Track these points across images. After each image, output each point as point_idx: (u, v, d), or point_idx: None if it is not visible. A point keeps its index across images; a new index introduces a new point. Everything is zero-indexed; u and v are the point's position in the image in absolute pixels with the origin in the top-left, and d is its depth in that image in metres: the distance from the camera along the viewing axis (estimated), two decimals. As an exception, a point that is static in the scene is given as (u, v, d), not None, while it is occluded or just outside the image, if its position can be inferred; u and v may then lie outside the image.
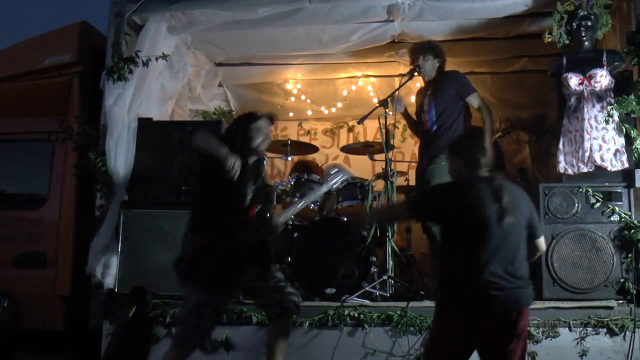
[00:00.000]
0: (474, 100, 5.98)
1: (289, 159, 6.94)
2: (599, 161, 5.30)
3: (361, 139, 8.11)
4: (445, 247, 3.97)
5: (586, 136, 5.33)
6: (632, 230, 5.18)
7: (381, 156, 6.19)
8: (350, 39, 6.73)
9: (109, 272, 5.62)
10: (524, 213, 3.90)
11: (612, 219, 5.29)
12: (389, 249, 5.71)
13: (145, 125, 6.05)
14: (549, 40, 5.73)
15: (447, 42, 6.46)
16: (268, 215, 4.61)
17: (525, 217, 3.90)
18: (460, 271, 3.79)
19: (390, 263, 5.71)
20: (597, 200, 5.32)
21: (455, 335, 3.75)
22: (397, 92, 6.04)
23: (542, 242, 4.07)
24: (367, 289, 5.58)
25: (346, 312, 5.20)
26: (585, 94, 5.41)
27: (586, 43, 5.60)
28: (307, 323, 5.22)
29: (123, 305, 5.06)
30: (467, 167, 3.98)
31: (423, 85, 6.27)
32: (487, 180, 3.90)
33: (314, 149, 7.43)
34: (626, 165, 5.32)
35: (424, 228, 5.92)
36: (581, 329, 5.07)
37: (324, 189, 5.32)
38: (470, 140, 4.34)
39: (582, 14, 5.55)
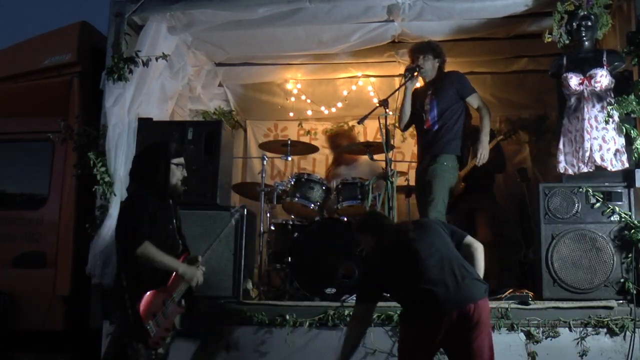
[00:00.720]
0: (473, 101, 6.03)
1: (289, 159, 6.94)
2: (599, 161, 5.30)
3: (361, 139, 8.10)
4: (401, 298, 4.32)
5: (586, 136, 5.32)
6: (632, 230, 5.18)
7: (381, 156, 6.19)
8: (350, 39, 6.72)
9: (108, 272, 5.61)
10: (437, 237, 4.29)
11: (612, 219, 5.29)
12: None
13: (146, 125, 6.05)
14: (549, 40, 5.73)
15: (447, 42, 6.47)
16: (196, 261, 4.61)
17: (440, 237, 4.28)
18: (417, 300, 4.11)
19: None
20: (597, 200, 5.32)
21: (424, 338, 4.08)
22: (397, 92, 6.05)
23: (469, 239, 4.40)
24: (367, 289, 5.57)
25: (346, 312, 5.20)
26: (586, 94, 5.41)
27: (586, 43, 5.60)
28: (307, 323, 5.22)
29: None
30: (376, 237, 4.38)
31: (422, 84, 6.27)
32: (396, 238, 4.30)
33: (314, 149, 7.42)
34: (626, 165, 5.32)
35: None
36: (581, 329, 5.06)
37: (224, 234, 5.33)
38: (372, 217, 4.77)
39: (582, 14, 5.55)
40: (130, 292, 4.20)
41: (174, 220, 4.60)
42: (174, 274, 4.39)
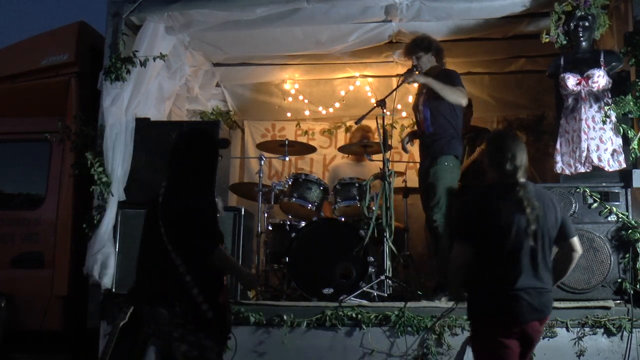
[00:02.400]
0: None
1: (287, 159, 6.95)
2: (596, 161, 5.30)
3: (349, 140, 8.09)
4: (476, 261, 3.92)
5: (584, 136, 5.33)
6: (630, 231, 5.19)
7: (379, 156, 6.19)
8: (348, 39, 6.73)
9: (106, 272, 5.62)
10: (549, 218, 3.89)
11: (609, 219, 5.30)
12: (386, 250, 5.71)
13: (143, 126, 6.05)
14: (547, 40, 5.74)
15: (445, 43, 6.45)
16: None
17: (550, 221, 3.89)
18: (491, 283, 3.82)
19: (387, 263, 5.70)
20: (595, 201, 5.33)
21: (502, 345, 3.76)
22: (394, 93, 6.04)
23: (576, 242, 4.04)
24: (364, 289, 5.58)
25: (344, 313, 5.21)
26: (583, 94, 5.41)
27: (584, 43, 5.60)
28: (305, 323, 5.22)
29: (120, 306, 5.06)
30: (494, 170, 3.98)
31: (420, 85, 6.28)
32: (514, 188, 3.87)
33: (312, 149, 7.42)
34: (623, 165, 5.32)
35: (427, 224, 5.94)
36: (579, 329, 5.07)
37: None
38: (503, 141, 4.12)
39: (579, 14, 5.55)
40: (200, 287, 3.98)
41: None
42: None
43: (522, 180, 3.92)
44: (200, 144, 4.28)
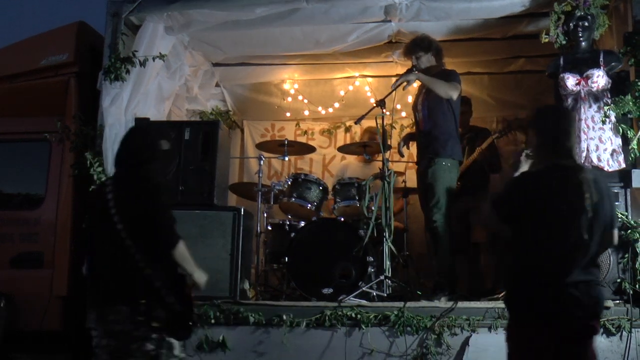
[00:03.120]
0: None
1: (286, 159, 6.94)
2: (596, 161, 5.30)
3: (358, 139, 8.10)
4: (519, 247, 3.63)
5: (583, 136, 5.33)
6: (629, 231, 5.18)
7: (378, 156, 6.19)
8: (347, 39, 6.73)
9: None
10: (605, 207, 3.59)
11: (609, 219, 5.29)
12: (386, 249, 5.71)
13: (143, 126, 6.04)
14: (546, 40, 5.74)
15: (445, 43, 6.45)
16: None
17: (605, 210, 3.59)
18: (537, 272, 3.51)
19: (387, 263, 5.70)
20: (594, 201, 5.32)
21: (539, 345, 3.46)
22: (394, 93, 6.04)
23: (615, 234, 3.75)
24: (364, 289, 5.58)
25: (343, 312, 5.20)
26: (582, 94, 5.42)
27: (583, 43, 5.60)
28: (304, 323, 5.22)
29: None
30: (547, 148, 3.64)
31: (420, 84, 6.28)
32: (572, 170, 3.56)
33: (311, 149, 7.42)
34: (623, 165, 5.33)
35: (426, 225, 5.94)
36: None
37: None
38: (556, 116, 3.80)
39: (579, 14, 5.56)
40: (164, 280, 3.90)
41: None
42: None
43: (579, 162, 3.66)
44: (141, 139, 4.26)
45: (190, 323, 4.04)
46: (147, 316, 3.83)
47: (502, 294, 5.30)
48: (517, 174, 3.92)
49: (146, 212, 3.95)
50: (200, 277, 4.14)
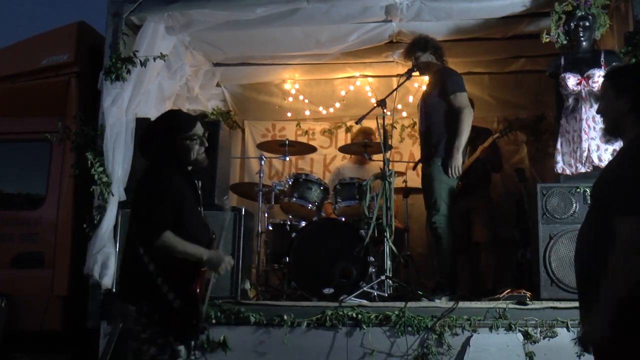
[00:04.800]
0: (455, 100, 5.88)
1: (287, 159, 6.94)
2: (596, 161, 5.30)
3: (351, 140, 8.09)
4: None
5: (584, 136, 5.33)
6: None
7: (379, 156, 6.18)
8: (348, 39, 6.73)
9: (106, 272, 5.60)
10: None
11: (609, 219, 5.29)
12: (387, 249, 5.71)
13: (143, 126, 6.02)
14: (547, 40, 5.74)
15: (445, 43, 6.46)
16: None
17: None
18: None
19: (388, 263, 5.70)
20: (595, 201, 5.32)
21: None
22: (394, 93, 6.05)
23: None
24: (365, 289, 5.57)
25: (344, 313, 5.20)
26: (583, 94, 5.42)
27: (584, 43, 5.60)
28: (305, 323, 5.21)
29: (120, 306, 5.04)
30: (638, 114, 3.06)
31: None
32: None
33: (312, 149, 7.42)
34: (624, 165, 5.31)
35: (428, 225, 5.94)
36: (579, 329, 5.07)
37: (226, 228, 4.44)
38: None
39: (580, 14, 5.56)
40: (165, 275, 3.72)
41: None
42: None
43: None
44: (153, 129, 4.11)
45: (194, 322, 3.82)
46: (150, 318, 3.72)
47: (503, 294, 5.33)
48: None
49: (135, 204, 3.90)
50: (213, 256, 3.87)
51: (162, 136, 3.99)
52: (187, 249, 3.80)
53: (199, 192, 4.10)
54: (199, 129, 4.04)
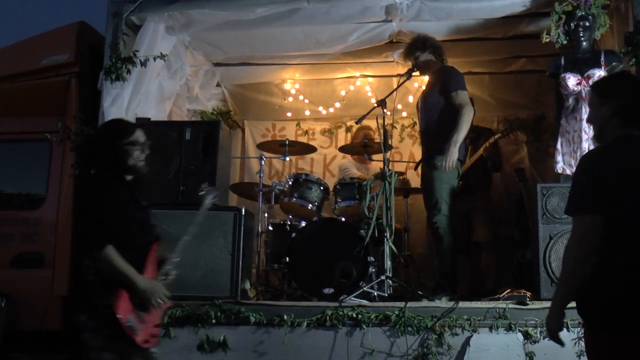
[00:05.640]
0: (456, 97, 5.85)
1: (287, 159, 6.94)
2: (596, 161, 5.29)
3: (351, 139, 8.09)
4: (606, 242, 2.99)
5: (584, 136, 5.33)
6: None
7: (379, 156, 6.18)
8: (348, 39, 6.73)
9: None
10: None
11: (609, 219, 5.28)
12: (387, 249, 5.71)
13: (143, 126, 6.04)
14: (547, 40, 5.74)
15: (445, 43, 6.45)
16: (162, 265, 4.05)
17: None
18: (622, 272, 2.96)
19: (388, 263, 5.70)
20: (595, 201, 5.31)
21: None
22: (395, 93, 6.05)
23: None
24: (365, 289, 5.57)
25: (344, 313, 5.20)
26: (583, 94, 5.41)
27: (584, 43, 5.60)
28: (305, 323, 5.21)
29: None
30: (621, 118, 3.15)
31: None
32: None
33: (312, 149, 7.42)
34: (623, 165, 5.31)
35: (429, 225, 5.93)
36: (579, 329, 5.02)
37: (200, 217, 4.43)
38: (627, 80, 3.38)
39: (580, 14, 5.55)
40: (105, 286, 3.75)
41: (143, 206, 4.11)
42: (147, 260, 3.92)
43: None
44: (94, 135, 4.20)
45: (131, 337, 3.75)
46: (98, 325, 3.76)
47: (503, 294, 5.33)
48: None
49: (80, 216, 3.92)
50: (147, 287, 3.81)
51: (102, 141, 4.08)
52: (125, 271, 3.78)
53: (140, 200, 4.08)
54: (140, 135, 4.04)
